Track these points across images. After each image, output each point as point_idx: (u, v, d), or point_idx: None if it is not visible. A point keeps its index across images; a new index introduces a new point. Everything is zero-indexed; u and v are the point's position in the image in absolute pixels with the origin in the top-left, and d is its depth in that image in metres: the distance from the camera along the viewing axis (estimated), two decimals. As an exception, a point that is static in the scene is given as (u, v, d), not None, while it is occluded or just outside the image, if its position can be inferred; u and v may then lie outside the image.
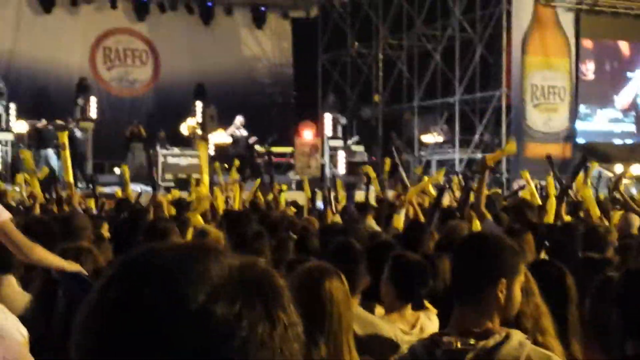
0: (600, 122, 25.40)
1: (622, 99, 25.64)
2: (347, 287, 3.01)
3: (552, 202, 7.78)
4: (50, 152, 19.15)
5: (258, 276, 0.96)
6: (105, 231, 6.63)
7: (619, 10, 24.87)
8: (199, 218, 7.67)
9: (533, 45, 23.75)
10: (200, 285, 0.92)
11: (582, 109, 24.95)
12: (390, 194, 11.72)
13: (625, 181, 14.62)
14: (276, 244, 5.90)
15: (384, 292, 4.00)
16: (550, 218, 7.39)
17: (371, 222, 8.68)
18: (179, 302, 0.91)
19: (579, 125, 24.70)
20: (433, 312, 4.03)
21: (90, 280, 3.41)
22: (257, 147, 22.71)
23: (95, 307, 0.96)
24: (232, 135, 22.63)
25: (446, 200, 11.68)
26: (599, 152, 24.21)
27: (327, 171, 22.16)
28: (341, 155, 22.73)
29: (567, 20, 24.23)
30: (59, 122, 20.41)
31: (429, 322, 3.97)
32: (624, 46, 25.92)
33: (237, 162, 14.81)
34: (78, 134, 20.59)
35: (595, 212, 7.31)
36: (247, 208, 10.49)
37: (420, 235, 5.86)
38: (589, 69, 25.20)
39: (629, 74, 25.88)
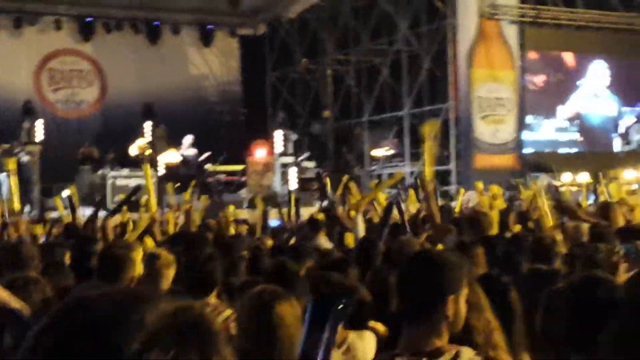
0: (546, 132, 25.83)
1: (568, 108, 26.12)
2: (298, 310, 3.00)
3: (495, 214, 7.89)
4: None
5: (193, 321, 0.94)
6: (67, 258, 6.53)
7: (562, 22, 25.36)
8: (150, 241, 7.57)
9: (479, 58, 24.09)
10: (135, 333, 0.90)
11: (529, 119, 25.35)
12: (341, 210, 11.74)
13: (572, 189, 14.90)
14: (228, 265, 5.86)
15: None
16: (494, 229, 7.47)
17: (323, 240, 8.67)
18: (112, 352, 0.89)
19: (526, 135, 25.09)
20: (370, 333, 3.88)
21: (29, 322, 3.34)
22: (208, 166, 22.58)
23: (30, 354, 0.95)
24: (182, 155, 22.48)
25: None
26: (546, 161, 24.65)
27: (279, 188, 22.13)
28: (292, 172, 22.72)
29: (511, 33, 24.63)
30: (5, 146, 20.03)
31: (360, 342, 3.85)
32: (568, 57, 26.43)
33: (193, 183, 14.71)
34: (25, 158, 20.22)
35: (549, 221, 7.38)
36: (200, 229, 10.40)
37: (372, 251, 5.87)
38: (535, 80, 25.63)
39: (576, 83, 26.38)
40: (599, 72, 26.57)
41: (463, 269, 2.71)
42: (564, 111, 26.06)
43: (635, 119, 26.25)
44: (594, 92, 26.51)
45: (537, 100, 25.65)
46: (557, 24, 25.33)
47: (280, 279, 3.85)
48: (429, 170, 6.84)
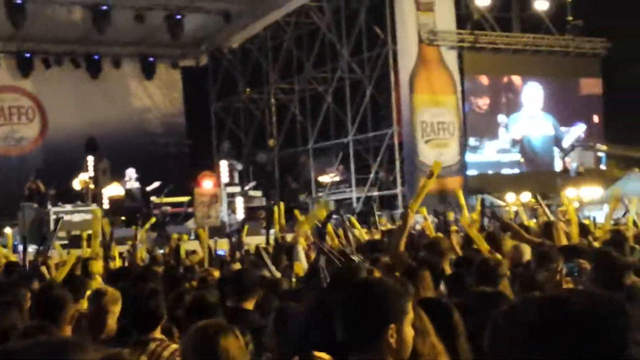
0: (489, 154, 26.22)
1: (515, 131, 26.60)
2: (243, 343, 2.97)
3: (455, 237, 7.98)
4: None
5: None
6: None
7: (499, 47, 25.88)
8: (98, 278, 7.45)
9: (420, 84, 24.41)
10: None
11: (472, 141, 25.72)
12: (290, 237, 11.70)
13: (514, 208, 15.08)
14: (174, 298, 5.78)
15: (268, 344, 3.82)
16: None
17: (271, 268, 8.61)
18: None
19: (469, 157, 25.43)
20: None
21: None
22: (153, 199, 22.36)
23: None
24: (126, 188, 22.23)
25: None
26: (489, 182, 25.01)
27: (226, 218, 22.00)
28: (239, 201, 22.63)
29: (451, 58, 25.04)
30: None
31: None
32: (506, 80, 26.94)
33: (152, 220, 14.52)
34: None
35: (484, 246, 7.43)
36: (147, 263, 10.27)
37: (318, 280, 5.84)
38: (476, 103, 26.05)
39: (515, 106, 26.86)
40: (533, 94, 27.13)
41: (405, 296, 2.71)
42: (506, 133, 26.52)
43: (574, 145, 26.55)
44: (531, 114, 27.04)
45: (479, 122, 26.08)
46: (495, 49, 25.85)
47: (200, 311, 3.82)
48: (416, 204, 6.87)
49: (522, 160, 26.70)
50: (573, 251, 6.20)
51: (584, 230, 9.03)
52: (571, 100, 27.55)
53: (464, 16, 25.96)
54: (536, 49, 26.47)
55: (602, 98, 28.07)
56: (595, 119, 28.12)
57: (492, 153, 26.31)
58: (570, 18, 27.65)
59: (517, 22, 27.65)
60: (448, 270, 6.46)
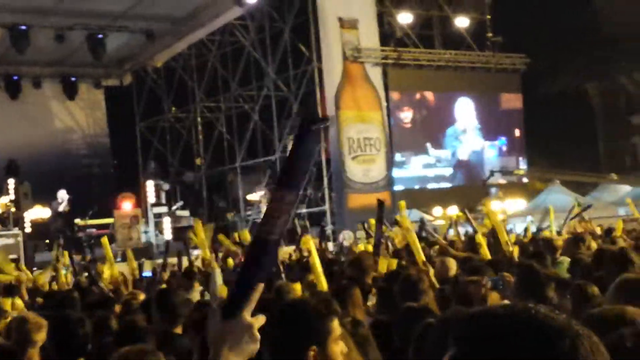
0: (415, 169, 26.55)
1: (440, 145, 26.99)
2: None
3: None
4: None
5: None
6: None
7: (422, 63, 26.31)
8: (20, 303, 7.25)
9: (346, 100, 24.60)
10: None
11: (398, 157, 26.00)
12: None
13: (439, 222, 15.31)
14: (98, 323, 5.65)
15: None
16: (383, 268, 7.57)
17: (198, 290, 8.50)
18: None
19: (396, 172, 25.70)
20: None
21: None
22: (77, 221, 21.91)
23: None
24: (52, 211, 21.75)
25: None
26: (416, 197, 25.30)
27: (154, 239, 21.70)
28: (167, 222, 22.35)
29: (375, 74, 25.32)
30: None
31: None
32: (430, 96, 27.35)
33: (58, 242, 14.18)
34: None
35: (420, 257, 7.50)
36: (70, 288, 10.01)
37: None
38: (402, 119, 26.36)
39: (440, 121, 27.24)
40: (465, 109, 27.61)
41: (327, 316, 2.71)
42: (432, 148, 26.90)
43: (493, 171, 26.77)
44: (462, 129, 27.51)
45: (405, 138, 26.39)
46: (418, 65, 26.26)
47: (129, 337, 3.75)
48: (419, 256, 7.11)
49: (448, 174, 27.10)
50: (497, 264, 6.30)
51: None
52: (493, 115, 28.16)
53: (387, 33, 26.33)
54: (458, 65, 27.01)
55: (523, 112, 28.76)
56: (517, 132, 28.78)
57: (418, 168, 26.65)
58: (490, 35, 28.33)
59: (439, 39, 28.20)
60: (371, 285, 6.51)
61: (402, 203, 11.10)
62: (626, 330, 2.33)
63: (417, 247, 7.61)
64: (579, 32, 37.72)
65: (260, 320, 1.92)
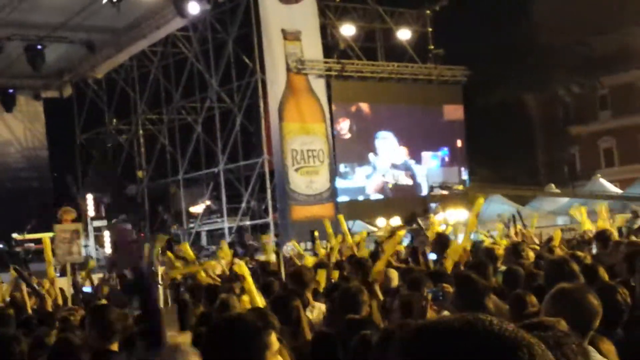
0: (359, 180, 26.64)
1: (385, 157, 27.10)
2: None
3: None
4: None
5: None
6: None
7: (365, 75, 26.47)
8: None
9: (289, 112, 24.59)
10: None
11: (342, 168, 26.07)
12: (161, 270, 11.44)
13: (380, 233, 15.37)
14: (31, 343, 5.51)
15: None
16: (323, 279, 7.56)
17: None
18: None
19: (340, 183, 25.75)
20: None
21: None
22: (15, 236, 21.43)
23: None
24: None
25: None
26: (360, 208, 25.40)
27: (94, 253, 21.36)
28: (107, 235, 22.02)
29: (319, 86, 25.38)
30: None
31: None
32: (373, 107, 27.44)
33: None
34: None
35: (381, 266, 7.46)
36: (4, 306, 9.75)
37: (184, 315, 5.71)
38: (345, 130, 26.42)
39: (381, 132, 27.37)
40: (396, 121, 27.69)
41: (264, 330, 2.68)
42: (375, 159, 27.02)
43: (432, 187, 26.96)
44: (396, 141, 27.61)
45: (348, 149, 26.47)
46: (361, 77, 26.42)
47: (63, 355, 3.66)
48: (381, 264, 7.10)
49: (391, 186, 27.25)
50: (437, 276, 6.33)
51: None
52: (436, 126, 28.43)
53: (331, 45, 26.44)
54: (401, 77, 27.24)
55: (464, 123, 29.12)
56: (459, 143, 29.11)
57: (362, 179, 26.75)
58: (431, 47, 28.67)
59: (382, 51, 28.42)
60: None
61: (341, 217, 11.13)
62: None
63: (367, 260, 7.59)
64: (517, 44, 38.47)
65: (187, 337, 1.89)
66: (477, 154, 31.52)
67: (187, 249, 9.05)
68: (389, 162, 27.26)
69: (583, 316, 3.29)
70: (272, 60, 24.34)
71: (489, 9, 36.50)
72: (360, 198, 26.41)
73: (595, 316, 3.35)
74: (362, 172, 26.79)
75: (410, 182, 27.61)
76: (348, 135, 26.58)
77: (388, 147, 27.22)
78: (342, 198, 25.60)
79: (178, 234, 24.71)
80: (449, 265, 7.80)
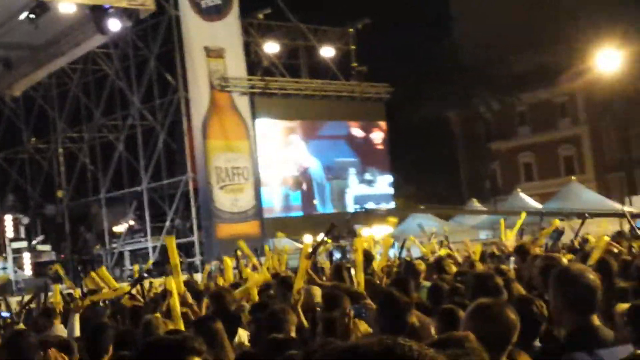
0: (280, 198, 26.61)
1: (300, 174, 27.15)
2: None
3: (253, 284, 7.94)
4: None
5: None
6: None
7: (289, 92, 26.53)
8: None
9: (213, 130, 24.44)
10: None
11: (264, 185, 25.99)
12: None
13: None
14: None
15: None
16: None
17: (60, 328, 8.15)
18: None
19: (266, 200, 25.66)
20: None
21: None
22: None
23: None
24: None
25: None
26: (285, 224, 25.34)
27: (13, 275, 20.73)
28: (26, 257, 21.43)
29: (243, 103, 25.31)
30: None
31: None
32: (298, 124, 27.49)
33: None
34: None
35: (299, 283, 7.42)
36: None
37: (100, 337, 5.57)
38: (268, 147, 26.34)
39: (307, 149, 27.45)
40: (319, 138, 27.80)
41: (188, 356, 2.63)
42: (297, 175, 27.06)
43: (356, 209, 27.08)
44: (320, 158, 27.73)
45: (271, 167, 26.41)
46: (285, 94, 26.47)
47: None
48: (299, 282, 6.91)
49: (315, 202, 27.32)
50: (359, 293, 6.34)
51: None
52: (359, 143, 28.66)
53: (254, 63, 26.43)
54: (324, 94, 27.39)
55: (388, 139, 29.44)
56: (383, 159, 29.39)
57: (283, 197, 26.74)
58: (355, 64, 28.95)
59: (306, 68, 28.57)
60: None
61: (242, 242, 11.17)
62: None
63: (300, 278, 7.52)
64: (439, 62, 39.19)
65: None
66: (400, 170, 31.88)
67: (105, 275, 8.79)
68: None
69: (501, 331, 3.32)
70: (195, 77, 24.18)
71: (411, 28, 37.12)
72: (284, 215, 26.38)
73: (513, 330, 3.38)
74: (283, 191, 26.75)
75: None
76: (278, 153, 26.52)
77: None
78: (267, 215, 25.48)
79: (100, 254, 24.22)
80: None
